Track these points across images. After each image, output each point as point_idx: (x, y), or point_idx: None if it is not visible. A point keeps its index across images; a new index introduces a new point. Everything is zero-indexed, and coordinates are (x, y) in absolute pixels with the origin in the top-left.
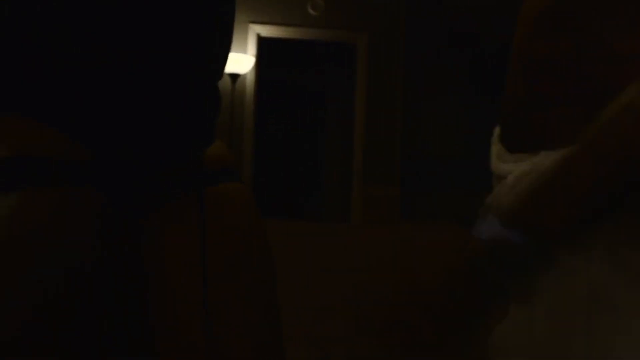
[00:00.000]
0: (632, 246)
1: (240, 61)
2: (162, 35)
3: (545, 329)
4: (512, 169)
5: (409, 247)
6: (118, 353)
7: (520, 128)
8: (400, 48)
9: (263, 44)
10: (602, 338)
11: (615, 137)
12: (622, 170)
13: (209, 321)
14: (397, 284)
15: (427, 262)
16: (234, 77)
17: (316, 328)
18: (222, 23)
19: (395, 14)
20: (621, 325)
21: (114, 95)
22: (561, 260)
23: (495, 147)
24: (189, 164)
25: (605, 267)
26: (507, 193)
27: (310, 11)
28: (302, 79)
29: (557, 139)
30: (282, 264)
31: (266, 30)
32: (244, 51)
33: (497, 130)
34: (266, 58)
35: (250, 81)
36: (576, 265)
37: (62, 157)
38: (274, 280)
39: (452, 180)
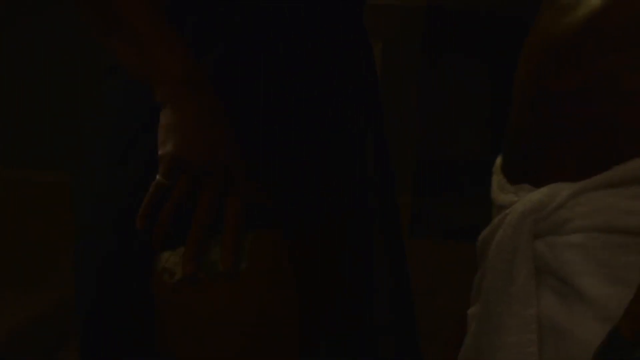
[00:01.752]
0: (584, 276)
1: None
2: None
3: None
4: (513, 200)
5: None
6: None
7: (522, 160)
8: (417, 55)
9: None
10: None
11: None
12: None
13: None
14: None
15: None
16: None
17: None
18: None
19: (411, 23)
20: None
21: None
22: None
23: (497, 177)
24: None
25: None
26: None
27: None
28: None
29: (560, 173)
30: None
31: None
32: None
33: (498, 160)
34: None
35: None
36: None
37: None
38: None
39: (467, 188)
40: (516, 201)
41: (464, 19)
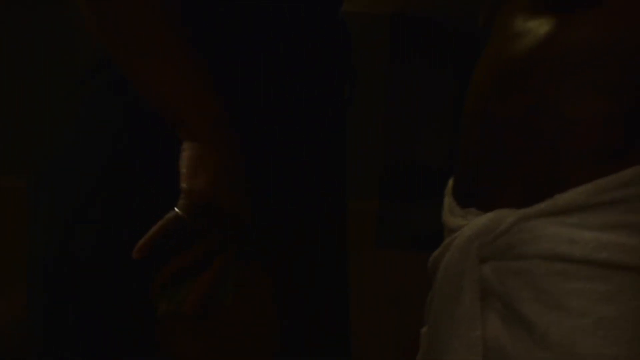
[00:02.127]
0: (526, 302)
1: None
2: None
3: None
4: (462, 224)
5: None
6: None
7: (470, 184)
8: (383, 62)
9: None
10: None
11: None
12: None
13: None
14: None
15: None
16: None
17: None
18: None
19: (377, 30)
20: None
21: None
22: None
23: (448, 200)
24: None
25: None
26: None
27: None
28: None
29: (506, 199)
30: None
31: None
32: None
33: (450, 182)
34: None
35: None
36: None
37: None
38: None
39: (433, 194)
40: (464, 225)
41: (429, 26)
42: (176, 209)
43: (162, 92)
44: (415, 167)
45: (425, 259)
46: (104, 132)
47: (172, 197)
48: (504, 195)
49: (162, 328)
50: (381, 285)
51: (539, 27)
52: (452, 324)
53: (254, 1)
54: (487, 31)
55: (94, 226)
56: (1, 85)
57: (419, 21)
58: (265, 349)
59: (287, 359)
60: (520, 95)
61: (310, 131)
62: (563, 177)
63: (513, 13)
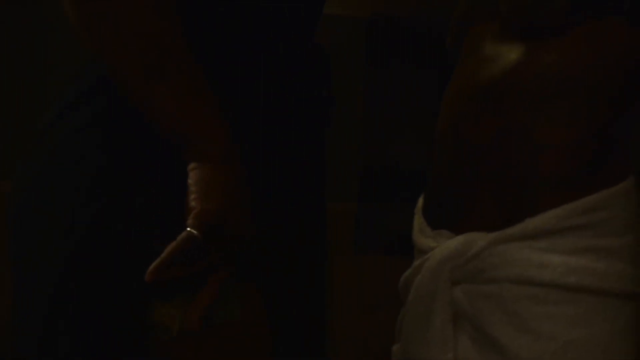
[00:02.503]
0: (497, 325)
1: None
2: None
3: None
4: (432, 246)
5: None
6: None
7: (441, 206)
8: (362, 64)
9: None
10: None
11: None
12: None
13: None
14: None
15: None
16: None
17: None
18: None
19: (355, 32)
20: None
21: None
22: None
23: (418, 219)
24: None
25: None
26: None
27: None
28: None
29: (477, 222)
30: None
31: None
32: None
33: (420, 201)
34: None
35: None
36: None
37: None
38: None
39: (412, 196)
40: (435, 247)
41: (407, 29)
42: (189, 229)
43: (171, 115)
44: (394, 169)
45: (404, 264)
46: (85, 162)
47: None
48: (475, 218)
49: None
50: (359, 291)
51: (509, 52)
52: (424, 347)
53: (233, 24)
54: (455, 52)
55: (88, 231)
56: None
57: (397, 24)
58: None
59: None
60: (491, 119)
61: (290, 150)
62: (533, 201)
63: (483, 37)
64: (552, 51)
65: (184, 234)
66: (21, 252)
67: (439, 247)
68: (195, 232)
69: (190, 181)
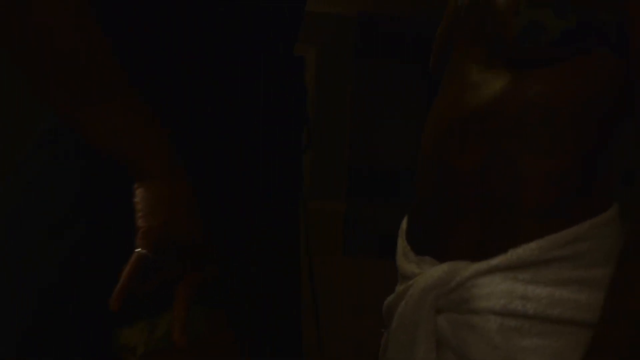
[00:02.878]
0: (480, 356)
1: None
2: None
3: None
4: (416, 272)
5: None
6: None
7: (425, 232)
8: (349, 62)
9: None
10: None
11: None
12: None
13: None
14: None
15: None
16: None
17: None
18: None
19: (345, 29)
20: None
21: None
22: None
23: (402, 243)
24: None
25: None
26: None
27: None
28: None
29: (461, 250)
30: None
31: None
32: None
33: (404, 224)
34: None
35: None
36: None
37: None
38: None
39: (400, 193)
40: (419, 274)
41: (395, 27)
42: (138, 249)
43: (106, 137)
44: (382, 167)
45: (392, 265)
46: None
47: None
48: (458, 245)
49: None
50: (348, 292)
51: (494, 80)
52: None
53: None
54: (439, 73)
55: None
56: None
57: (385, 22)
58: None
59: None
60: (475, 147)
61: (262, 158)
62: (516, 230)
63: (468, 61)
64: (537, 82)
65: (134, 254)
66: None
67: (422, 274)
68: (144, 251)
69: (135, 200)
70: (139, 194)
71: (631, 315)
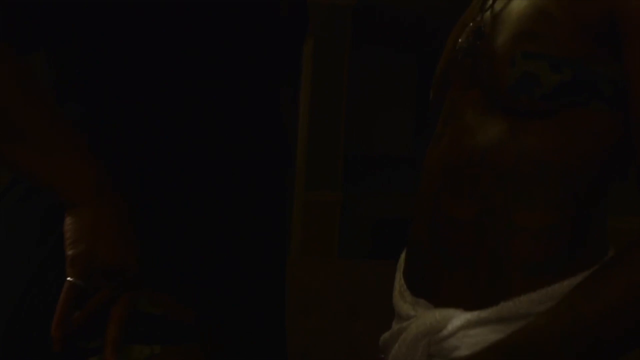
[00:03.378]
0: None
1: None
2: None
3: None
4: (410, 315)
5: None
6: None
7: (422, 275)
8: (346, 53)
9: None
10: None
11: None
12: None
13: None
14: None
15: None
16: None
17: None
18: None
19: (342, 19)
20: None
21: None
22: None
23: (399, 279)
24: None
25: None
26: None
27: None
28: None
29: (454, 297)
30: None
31: None
32: None
33: (402, 259)
34: None
35: None
36: None
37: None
38: None
39: (395, 183)
40: (413, 316)
41: (391, 17)
42: (67, 278)
43: (27, 169)
44: (378, 155)
45: (385, 268)
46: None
47: None
48: (452, 292)
49: None
50: (343, 295)
51: (490, 127)
52: None
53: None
54: (437, 107)
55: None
56: None
57: (381, 11)
58: None
59: None
60: (470, 195)
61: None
62: (507, 282)
63: (464, 104)
64: (532, 133)
65: (65, 284)
66: None
67: (416, 319)
68: (72, 279)
69: (64, 228)
70: (66, 222)
71: (581, 317)
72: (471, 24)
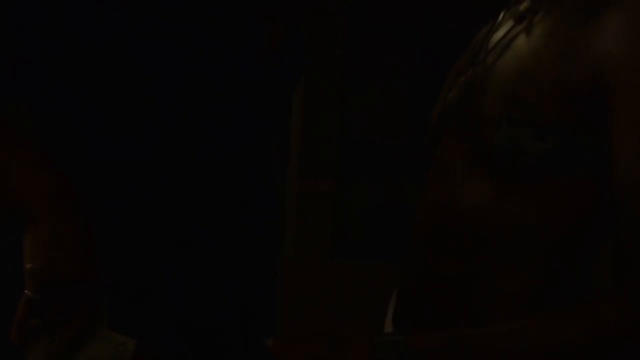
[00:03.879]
0: None
1: None
2: None
3: None
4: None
5: None
6: None
7: (409, 321)
8: (340, 39)
9: None
10: None
11: None
12: None
13: None
14: None
15: None
16: None
17: None
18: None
19: (335, 5)
20: None
21: None
22: None
23: (389, 323)
24: None
25: None
26: None
27: None
28: None
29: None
30: None
31: None
32: None
33: (394, 297)
34: None
35: None
36: None
37: None
38: None
39: (390, 171)
40: None
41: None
42: (25, 291)
43: None
44: (373, 143)
45: (382, 269)
46: None
47: None
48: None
49: None
50: (338, 296)
51: (477, 186)
52: None
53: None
54: (430, 151)
55: None
56: None
57: None
58: None
59: None
60: (454, 258)
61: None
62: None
63: (454, 157)
64: (515, 197)
65: (22, 298)
66: None
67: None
68: (29, 293)
69: (24, 242)
70: (25, 237)
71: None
72: (462, 78)
